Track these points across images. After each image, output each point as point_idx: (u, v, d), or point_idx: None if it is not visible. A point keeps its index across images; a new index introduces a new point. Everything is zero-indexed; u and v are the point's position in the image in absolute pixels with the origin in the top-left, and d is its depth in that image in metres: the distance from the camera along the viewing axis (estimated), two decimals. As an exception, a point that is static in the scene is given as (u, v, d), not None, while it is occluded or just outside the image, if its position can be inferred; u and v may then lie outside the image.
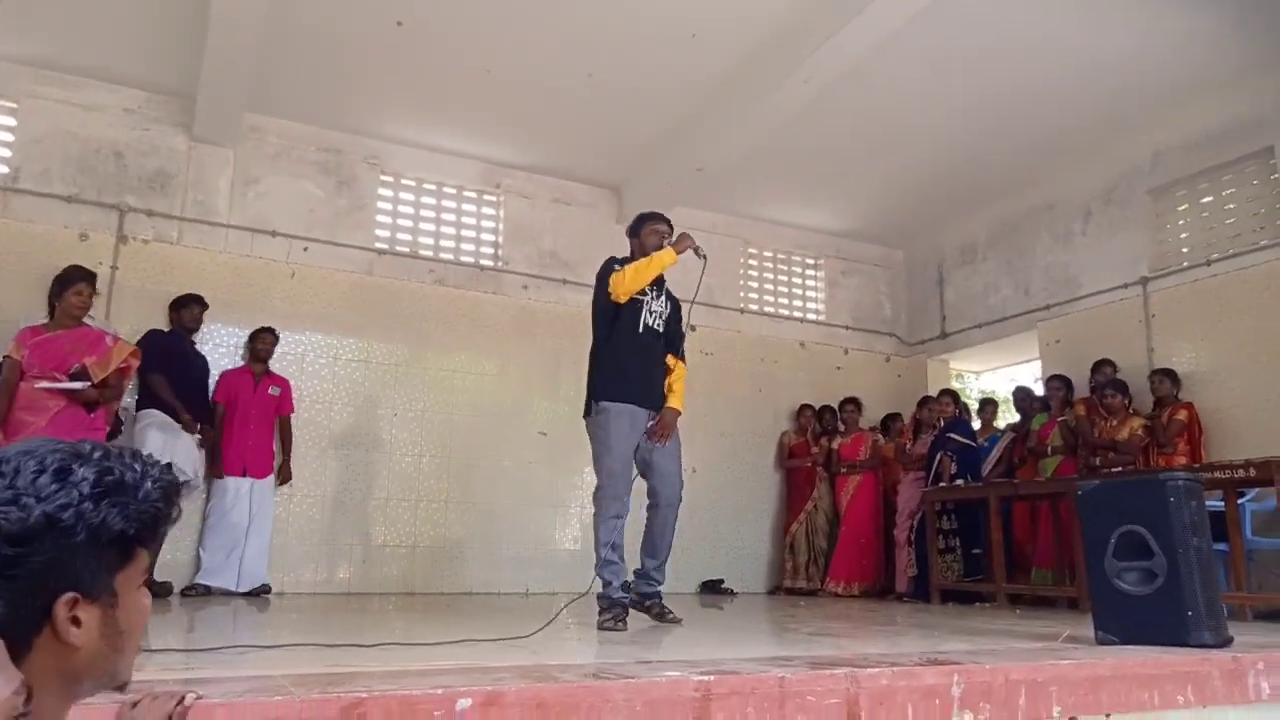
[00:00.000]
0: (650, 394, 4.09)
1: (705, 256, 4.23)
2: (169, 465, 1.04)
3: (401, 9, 5.63)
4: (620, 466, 3.99)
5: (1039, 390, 7.57)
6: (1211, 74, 6.24)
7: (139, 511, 0.95)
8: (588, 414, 4.12)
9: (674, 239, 4.20)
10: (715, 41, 5.90)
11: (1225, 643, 3.04)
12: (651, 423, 4.09)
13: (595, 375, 4.15)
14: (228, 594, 5.66)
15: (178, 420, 5.48)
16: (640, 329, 4.10)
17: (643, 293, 4.13)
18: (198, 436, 5.67)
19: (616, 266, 4.11)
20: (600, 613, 3.87)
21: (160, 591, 5.40)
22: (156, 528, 0.98)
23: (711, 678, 2.11)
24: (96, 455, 0.98)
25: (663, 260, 4.11)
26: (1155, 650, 2.89)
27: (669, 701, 2.05)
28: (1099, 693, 2.56)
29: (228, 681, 1.89)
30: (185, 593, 5.61)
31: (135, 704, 1.44)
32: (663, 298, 4.24)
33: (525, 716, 1.91)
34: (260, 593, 5.77)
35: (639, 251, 4.25)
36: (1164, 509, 3.15)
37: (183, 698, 1.46)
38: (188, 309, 5.88)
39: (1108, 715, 2.57)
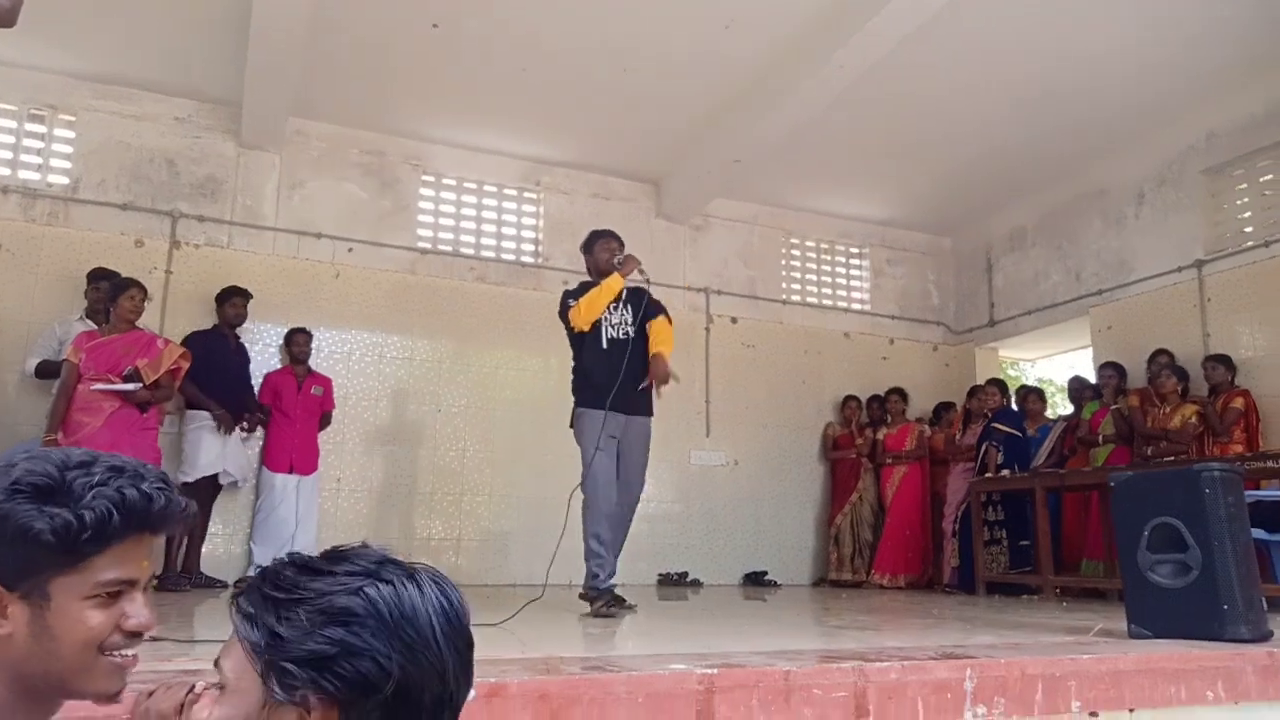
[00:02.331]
0: (621, 399, 4.36)
1: (648, 279, 4.56)
2: (151, 487, 1.03)
3: (436, 12, 5.71)
4: (601, 463, 4.32)
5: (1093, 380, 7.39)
6: (1266, 51, 5.99)
7: (59, 516, 0.96)
8: (572, 423, 4.52)
9: (621, 259, 4.53)
10: (749, 32, 5.87)
11: (1263, 637, 2.96)
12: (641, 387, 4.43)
13: (573, 388, 4.57)
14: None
15: (215, 420, 5.65)
16: (604, 344, 4.48)
17: None
18: (244, 435, 5.86)
19: (571, 302, 4.51)
20: (592, 602, 4.17)
21: (213, 584, 5.62)
22: (77, 537, 0.97)
23: (715, 670, 2.13)
24: (54, 459, 1.01)
25: (611, 288, 4.48)
26: (1183, 644, 2.82)
27: (671, 694, 2.07)
28: (1121, 687, 2.51)
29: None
30: (238, 585, 5.81)
31: (151, 694, 1.51)
32: (621, 307, 4.55)
33: (528, 708, 1.95)
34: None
35: (592, 266, 4.65)
36: (1199, 500, 3.07)
37: (193, 686, 1.54)
38: (230, 302, 6.02)
39: (1131, 710, 2.52)
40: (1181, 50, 5.99)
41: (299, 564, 0.94)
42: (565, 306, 4.54)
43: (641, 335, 4.49)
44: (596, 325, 4.46)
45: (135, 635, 1.06)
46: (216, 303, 6.08)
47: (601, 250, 4.60)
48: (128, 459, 1.07)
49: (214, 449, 5.59)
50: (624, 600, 4.31)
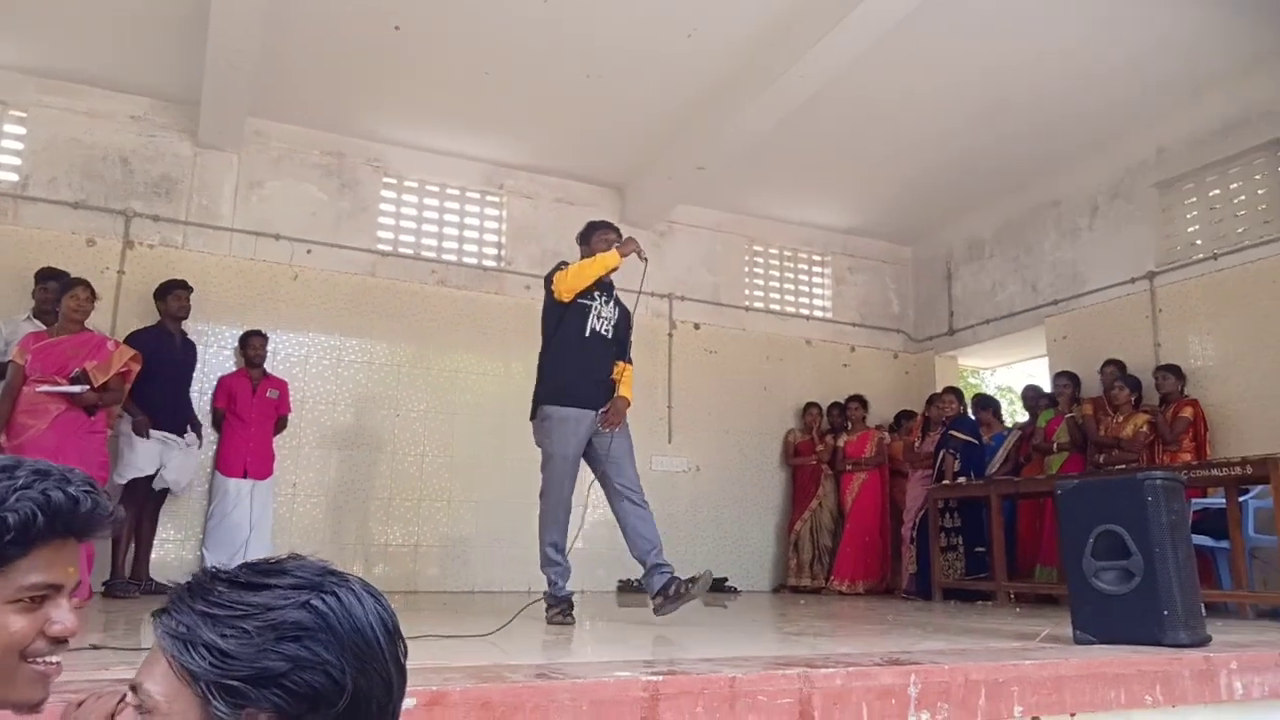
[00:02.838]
0: (596, 397, 4.17)
1: (647, 259, 4.35)
2: (77, 490, 1.03)
3: (398, 14, 5.68)
4: (564, 469, 4.13)
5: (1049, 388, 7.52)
6: (1215, 67, 6.16)
7: None
8: (533, 417, 4.27)
9: (620, 242, 4.33)
10: (711, 40, 5.90)
11: (1202, 642, 3.02)
12: (601, 412, 4.21)
13: (541, 379, 4.29)
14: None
15: (133, 426, 5.41)
16: (587, 332, 4.22)
17: (590, 297, 4.26)
18: (187, 439, 5.69)
19: (562, 266, 4.26)
20: (548, 609, 4.08)
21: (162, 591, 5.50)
22: (0, 539, 0.98)
23: (661, 677, 2.12)
24: None
25: (606, 261, 4.23)
26: (1124, 649, 2.87)
27: (616, 702, 2.06)
28: (1063, 692, 2.54)
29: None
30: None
31: (80, 703, 1.47)
32: (612, 304, 4.36)
33: (470, 716, 1.94)
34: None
35: (588, 257, 4.39)
36: (1142, 508, 3.13)
37: (124, 696, 1.50)
38: (173, 295, 5.84)
39: (1072, 715, 2.56)
40: (1133, 65, 6.12)
41: (229, 579, 0.92)
42: (555, 269, 4.31)
43: (615, 345, 4.33)
44: (583, 311, 4.23)
45: (60, 642, 1.04)
46: (156, 298, 5.89)
47: (599, 241, 4.39)
48: (53, 464, 1.05)
49: (149, 451, 5.40)
50: (690, 585, 3.95)
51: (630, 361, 4.43)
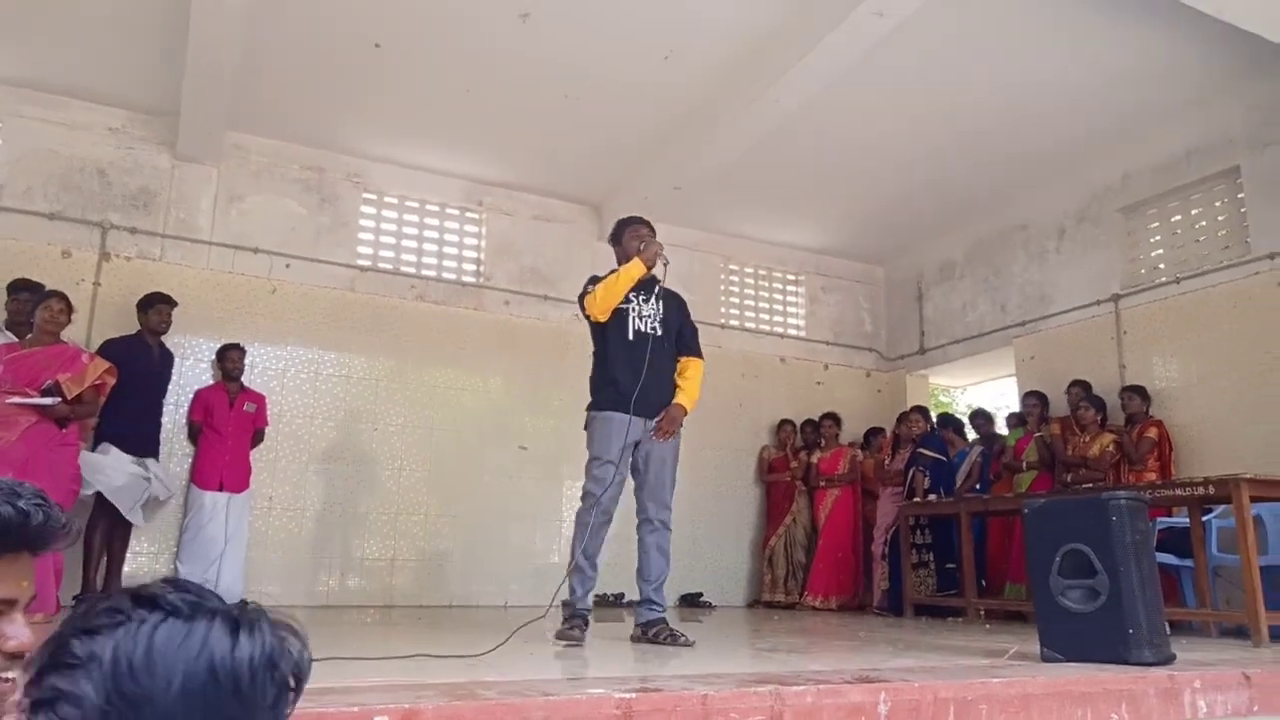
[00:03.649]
0: (646, 401, 3.97)
1: (667, 261, 4.15)
2: (28, 503, 1.02)
3: (379, 32, 5.71)
4: (602, 473, 3.95)
5: (1000, 410, 7.68)
6: (1178, 95, 6.32)
7: None
8: (586, 424, 4.16)
9: (643, 249, 4.14)
10: (687, 64, 5.98)
11: (1166, 660, 3.09)
12: (656, 421, 4.06)
13: (591, 385, 4.17)
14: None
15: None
16: (631, 335, 4.06)
17: (626, 300, 4.09)
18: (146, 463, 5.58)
19: (590, 288, 4.13)
20: (563, 621, 3.94)
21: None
22: None
23: (633, 695, 2.15)
24: None
25: (631, 274, 4.06)
26: (1091, 668, 2.93)
27: (589, 719, 2.10)
28: (1030, 710, 2.60)
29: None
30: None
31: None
32: (653, 300, 4.16)
33: (444, 733, 1.96)
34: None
35: (622, 257, 4.22)
36: (1106, 528, 3.20)
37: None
38: (154, 309, 5.81)
39: (1038, 732, 2.61)
40: (1100, 93, 6.27)
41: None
42: (585, 291, 4.12)
43: (670, 341, 4.14)
44: (622, 315, 4.07)
45: (15, 657, 1.02)
46: (139, 309, 5.86)
47: (631, 238, 4.17)
48: (1, 478, 1.04)
49: (97, 464, 5.30)
50: (680, 636, 3.87)
51: (697, 354, 4.21)
